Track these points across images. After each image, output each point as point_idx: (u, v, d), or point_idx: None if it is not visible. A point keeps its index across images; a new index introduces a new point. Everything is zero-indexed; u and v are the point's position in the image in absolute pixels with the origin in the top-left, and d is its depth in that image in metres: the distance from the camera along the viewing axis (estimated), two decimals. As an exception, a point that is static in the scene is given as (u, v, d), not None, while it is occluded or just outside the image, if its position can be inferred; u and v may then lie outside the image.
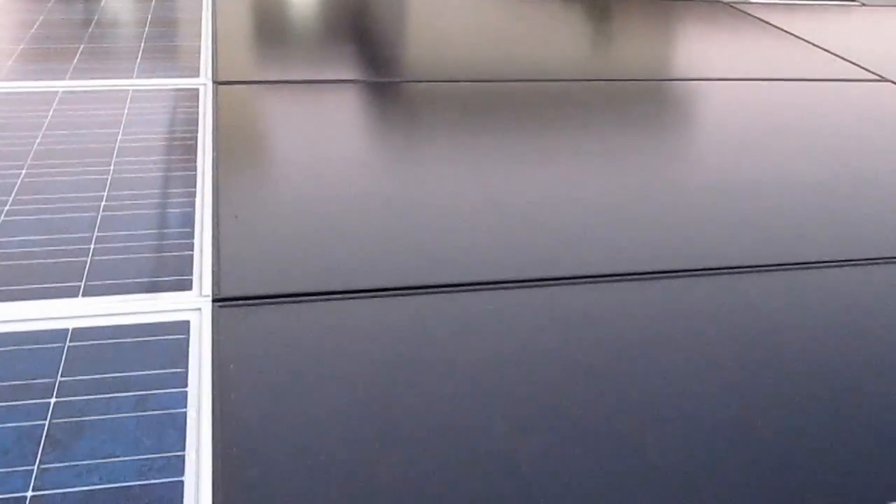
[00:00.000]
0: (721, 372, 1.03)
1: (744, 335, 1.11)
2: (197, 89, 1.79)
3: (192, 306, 1.06)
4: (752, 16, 2.82)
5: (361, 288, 1.13)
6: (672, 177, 1.55)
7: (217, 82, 1.87)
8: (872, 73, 2.30)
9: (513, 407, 0.94)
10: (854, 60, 2.40)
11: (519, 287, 1.17)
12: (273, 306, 1.08)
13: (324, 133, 1.62)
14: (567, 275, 1.20)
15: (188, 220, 1.26)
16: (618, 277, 1.21)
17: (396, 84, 1.94)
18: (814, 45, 2.53)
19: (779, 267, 1.28)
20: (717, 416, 0.95)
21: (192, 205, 1.31)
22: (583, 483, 0.84)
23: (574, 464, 0.86)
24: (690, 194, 1.48)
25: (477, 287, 1.16)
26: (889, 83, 2.22)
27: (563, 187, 1.46)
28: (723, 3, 2.98)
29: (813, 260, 1.31)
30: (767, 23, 2.75)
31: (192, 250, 1.19)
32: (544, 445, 0.88)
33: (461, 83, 1.97)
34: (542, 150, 1.61)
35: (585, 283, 1.19)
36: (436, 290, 1.14)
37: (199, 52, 2.05)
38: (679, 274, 1.24)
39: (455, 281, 1.17)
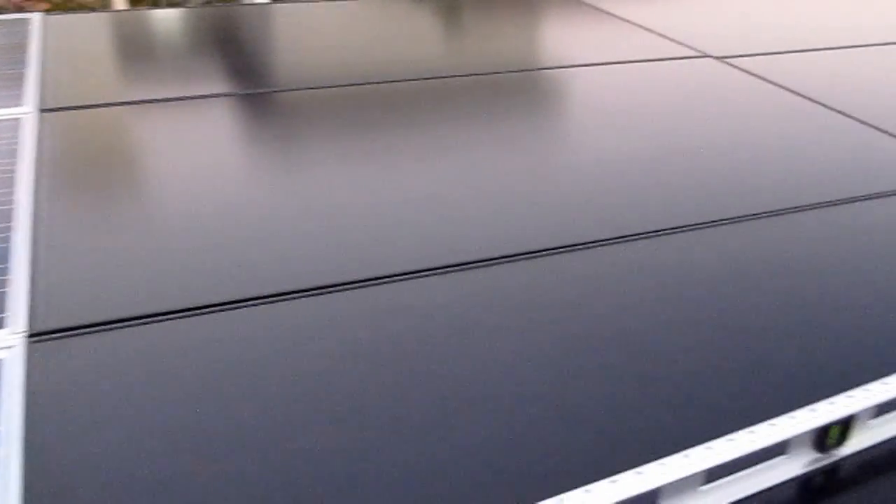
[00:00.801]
0: (537, 352, 1.07)
1: (562, 313, 1.15)
2: (18, 119, 1.74)
3: (5, 344, 1.03)
4: (588, 4, 2.91)
5: (180, 308, 1.12)
6: (531, 162, 1.59)
7: (45, 110, 1.82)
8: (696, 50, 2.41)
9: (329, 407, 0.95)
10: (681, 40, 2.50)
11: (352, 288, 1.18)
12: (89, 336, 1.06)
13: (169, 152, 1.60)
14: (403, 271, 1.22)
15: (3, 256, 1.22)
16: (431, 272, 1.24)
17: (255, 96, 1.92)
18: (646, 28, 2.63)
19: (607, 242, 1.33)
20: (532, 395, 0.99)
21: (8, 239, 1.27)
22: (393, 471, 0.86)
23: (388, 454, 0.88)
24: (548, 178, 1.53)
25: (304, 293, 1.16)
26: (710, 58, 2.33)
27: (430, 184, 1.48)
28: (559, -8, 3.07)
29: (646, 230, 1.37)
30: (604, 10, 2.84)
31: (7, 286, 1.15)
32: (361, 440, 0.90)
33: (330, 89, 1.96)
34: (412, 148, 1.63)
35: (415, 278, 1.21)
36: (254, 301, 1.14)
37: (23, 79, 1.98)
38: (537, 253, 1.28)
39: (285, 289, 1.17)
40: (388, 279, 1.21)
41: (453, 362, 1.04)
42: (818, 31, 2.68)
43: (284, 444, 0.89)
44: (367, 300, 1.16)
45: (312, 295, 1.16)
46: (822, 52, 2.45)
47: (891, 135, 1.83)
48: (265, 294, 1.16)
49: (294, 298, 1.15)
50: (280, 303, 1.14)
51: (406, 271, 1.23)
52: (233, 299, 1.14)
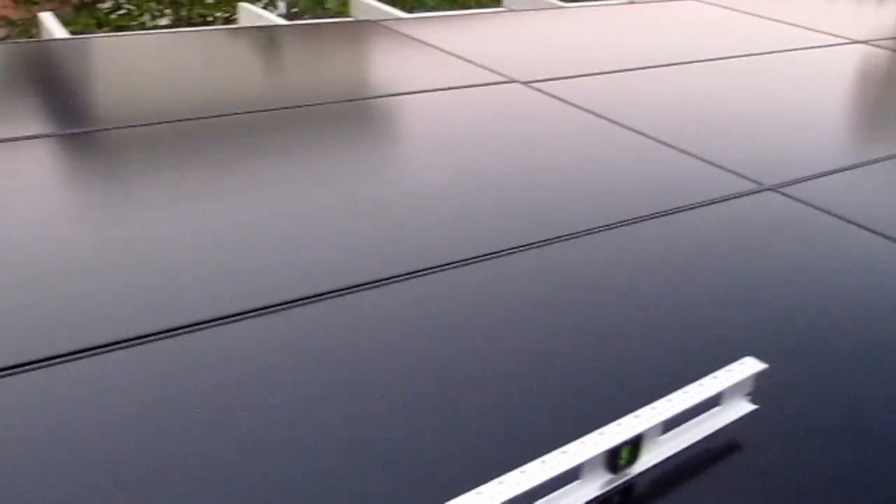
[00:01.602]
0: (324, 396, 1.05)
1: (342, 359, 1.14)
2: None
3: None
4: (399, 32, 2.93)
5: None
6: (342, 195, 1.56)
7: None
8: (504, 75, 2.47)
9: (129, 466, 0.90)
10: (490, 66, 2.56)
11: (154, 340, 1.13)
12: None
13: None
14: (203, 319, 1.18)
15: None
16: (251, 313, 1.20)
17: (71, 136, 1.81)
18: (457, 56, 2.67)
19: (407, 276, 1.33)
20: (328, 440, 0.97)
21: None
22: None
23: None
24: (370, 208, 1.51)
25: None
26: (517, 83, 2.39)
27: (234, 223, 1.43)
28: (372, 22, 3.08)
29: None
30: (415, 38, 2.87)
31: None
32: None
33: (148, 126, 1.88)
34: (224, 185, 1.57)
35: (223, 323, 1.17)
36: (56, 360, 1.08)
37: None
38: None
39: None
40: (187, 329, 1.16)
41: (247, 410, 1.00)
42: (612, 55, 2.81)
43: (62, 523, 0.84)
44: (172, 352, 1.11)
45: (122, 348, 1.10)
46: (616, 73, 2.56)
47: (675, 148, 1.93)
48: (72, 350, 1.09)
49: (101, 353, 1.09)
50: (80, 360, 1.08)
51: (204, 320, 1.19)
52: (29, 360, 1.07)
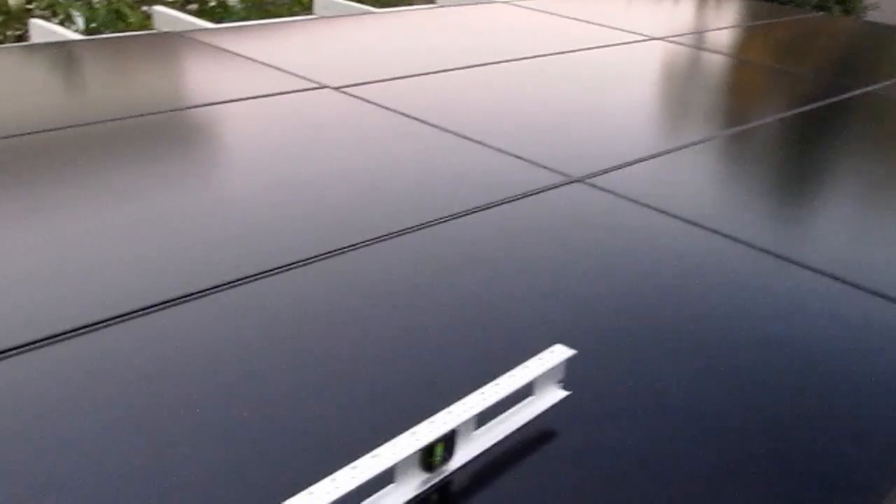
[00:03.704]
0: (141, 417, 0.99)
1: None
2: None
3: None
4: (206, 43, 2.84)
5: None
6: (191, 201, 1.48)
7: None
8: (315, 81, 2.43)
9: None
10: (300, 73, 2.52)
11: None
12: None
13: None
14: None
15: None
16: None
17: None
18: (263, 63, 2.61)
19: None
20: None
21: None
22: None
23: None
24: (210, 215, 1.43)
25: None
26: (328, 89, 2.36)
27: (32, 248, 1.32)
28: (176, 34, 2.97)
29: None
30: (222, 48, 2.78)
31: None
32: None
33: None
34: (20, 207, 1.45)
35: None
36: None
37: None
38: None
39: None
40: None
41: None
42: (423, 58, 2.82)
43: None
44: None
45: None
46: (426, 76, 2.58)
47: (485, 145, 1.95)
48: None
49: None
50: None
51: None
52: None
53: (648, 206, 1.69)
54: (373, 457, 0.86)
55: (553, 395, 1.09)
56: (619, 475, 0.97)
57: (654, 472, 0.98)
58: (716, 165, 1.97)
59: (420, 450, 0.90)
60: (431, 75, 2.58)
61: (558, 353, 1.07)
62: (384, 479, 0.89)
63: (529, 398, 1.07)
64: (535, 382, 1.06)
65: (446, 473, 0.95)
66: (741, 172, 1.93)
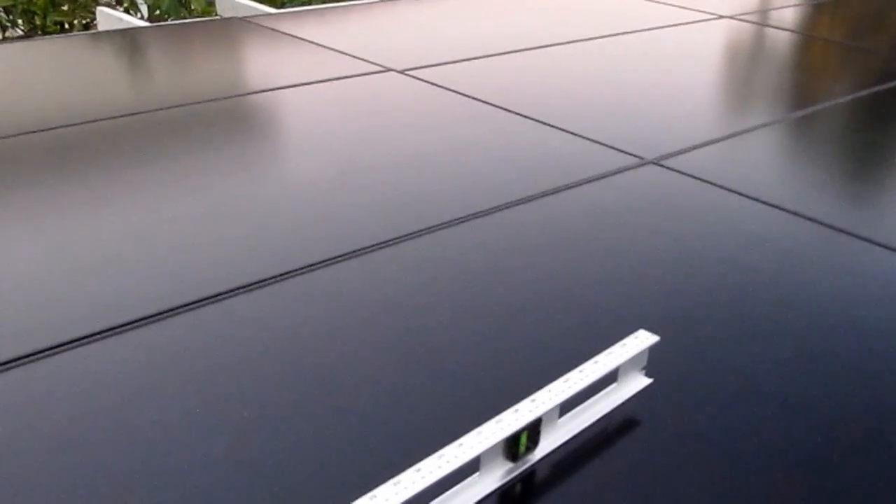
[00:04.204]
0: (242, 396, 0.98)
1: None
2: None
3: None
4: (270, 28, 2.84)
5: None
6: (264, 185, 1.48)
7: None
8: (379, 65, 2.42)
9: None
10: (364, 57, 2.50)
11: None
12: None
13: None
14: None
15: None
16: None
17: None
18: (330, 48, 2.61)
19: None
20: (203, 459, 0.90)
21: None
22: None
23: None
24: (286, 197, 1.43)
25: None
26: (393, 72, 2.34)
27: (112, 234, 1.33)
28: (240, 19, 2.98)
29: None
30: (286, 33, 2.79)
31: None
32: None
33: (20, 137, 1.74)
34: (96, 194, 1.46)
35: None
36: None
37: None
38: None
39: None
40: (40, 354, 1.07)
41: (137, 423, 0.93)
42: (487, 40, 2.79)
43: None
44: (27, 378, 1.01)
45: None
46: (492, 58, 2.54)
47: (555, 127, 1.92)
48: None
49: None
50: None
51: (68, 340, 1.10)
52: None
53: (725, 188, 1.64)
54: (458, 445, 0.84)
55: (637, 382, 1.06)
56: (708, 464, 0.94)
57: (744, 462, 0.94)
58: (791, 147, 1.90)
59: (506, 439, 0.87)
60: (496, 57, 2.54)
61: (642, 339, 1.04)
62: (468, 469, 0.87)
63: (612, 385, 1.04)
64: (618, 369, 1.03)
65: (530, 463, 0.92)
66: (819, 154, 1.87)
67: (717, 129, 1.99)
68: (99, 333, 1.11)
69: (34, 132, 1.81)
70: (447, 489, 0.86)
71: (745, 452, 0.96)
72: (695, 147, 1.86)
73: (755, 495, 0.90)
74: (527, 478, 0.91)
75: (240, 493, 0.86)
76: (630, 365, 1.04)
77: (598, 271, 1.32)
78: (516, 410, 0.90)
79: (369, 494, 0.78)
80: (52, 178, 1.56)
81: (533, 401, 0.91)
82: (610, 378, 1.02)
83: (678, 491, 0.90)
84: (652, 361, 1.09)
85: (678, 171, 1.71)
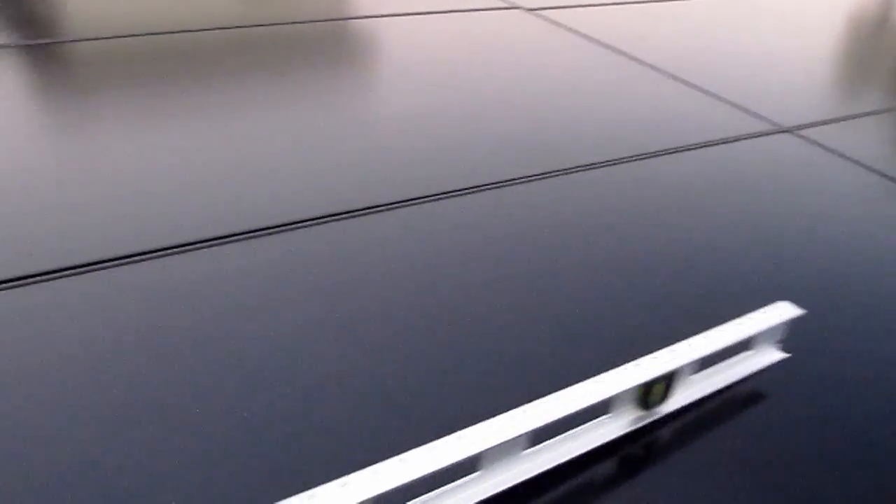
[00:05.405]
0: (339, 322, 0.97)
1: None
2: None
3: None
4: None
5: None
6: (347, 119, 1.46)
7: None
8: (506, 0, 2.35)
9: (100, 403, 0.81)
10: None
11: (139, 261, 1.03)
12: None
13: None
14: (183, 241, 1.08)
15: None
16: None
17: (33, 48, 1.67)
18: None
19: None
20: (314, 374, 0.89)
21: None
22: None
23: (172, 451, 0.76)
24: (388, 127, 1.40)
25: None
26: (520, 9, 2.28)
27: (230, 144, 1.32)
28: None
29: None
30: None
31: None
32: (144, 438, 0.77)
33: (115, 39, 1.74)
34: (208, 106, 1.45)
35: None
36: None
37: None
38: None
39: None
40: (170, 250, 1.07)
41: (244, 337, 0.92)
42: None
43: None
44: (171, 269, 1.01)
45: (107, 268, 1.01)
46: (622, 5, 2.46)
47: (686, 83, 1.84)
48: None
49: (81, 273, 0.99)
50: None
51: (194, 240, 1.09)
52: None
53: (867, 167, 1.55)
54: (597, 382, 0.81)
55: (772, 354, 1.01)
56: (840, 447, 0.89)
57: (880, 449, 0.89)
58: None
59: (641, 384, 0.84)
60: (629, 5, 2.45)
61: (783, 310, 0.99)
62: (601, 409, 0.84)
63: (746, 353, 0.99)
64: (756, 337, 0.98)
65: (659, 416, 0.89)
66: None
67: (863, 103, 1.88)
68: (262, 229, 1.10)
69: (156, 34, 1.80)
70: (579, 425, 0.84)
71: (881, 438, 0.91)
72: (834, 120, 1.77)
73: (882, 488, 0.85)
74: (649, 429, 0.88)
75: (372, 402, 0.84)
76: (768, 335, 0.99)
77: (733, 237, 1.26)
78: (655, 357, 0.86)
79: (521, 408, 0.76)
80: (181, 81, 1.55)
81: (673, 351, 0.88)
82: (746, 345, 0.97)
83: (806, 472, 0.86)
84: (791, 335, 1.03)
85: (816, 143, 1.63)
